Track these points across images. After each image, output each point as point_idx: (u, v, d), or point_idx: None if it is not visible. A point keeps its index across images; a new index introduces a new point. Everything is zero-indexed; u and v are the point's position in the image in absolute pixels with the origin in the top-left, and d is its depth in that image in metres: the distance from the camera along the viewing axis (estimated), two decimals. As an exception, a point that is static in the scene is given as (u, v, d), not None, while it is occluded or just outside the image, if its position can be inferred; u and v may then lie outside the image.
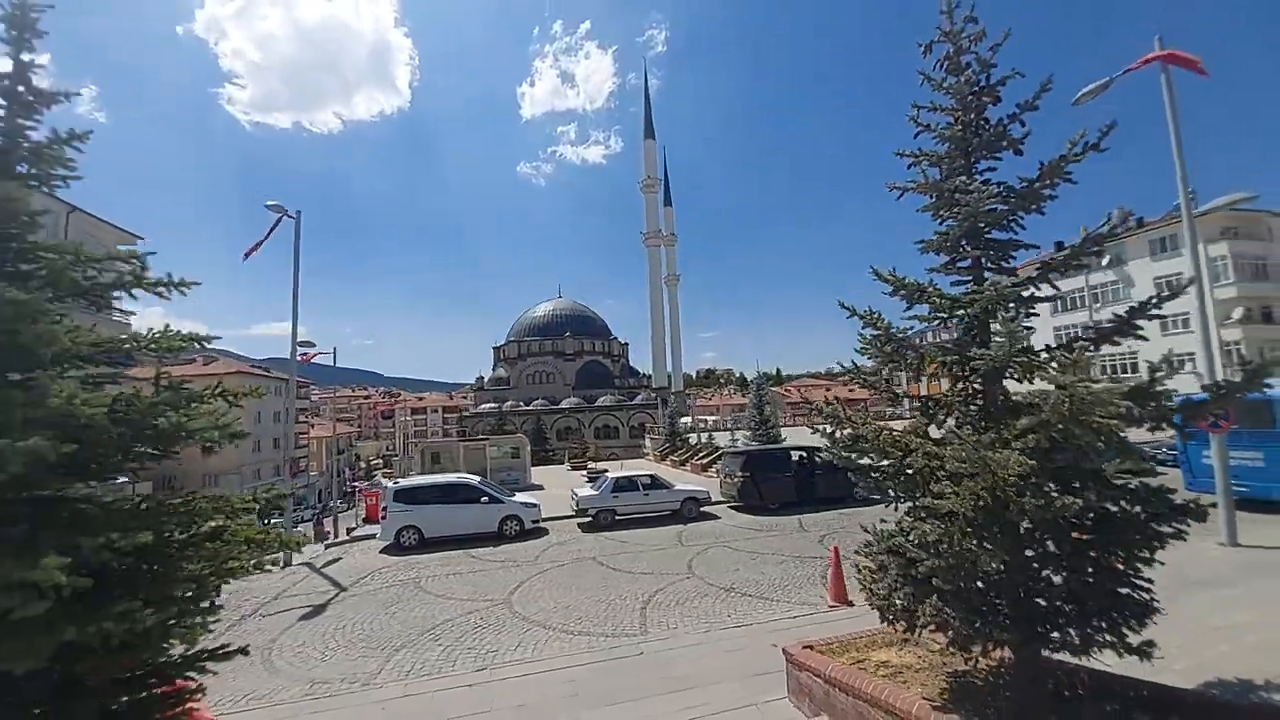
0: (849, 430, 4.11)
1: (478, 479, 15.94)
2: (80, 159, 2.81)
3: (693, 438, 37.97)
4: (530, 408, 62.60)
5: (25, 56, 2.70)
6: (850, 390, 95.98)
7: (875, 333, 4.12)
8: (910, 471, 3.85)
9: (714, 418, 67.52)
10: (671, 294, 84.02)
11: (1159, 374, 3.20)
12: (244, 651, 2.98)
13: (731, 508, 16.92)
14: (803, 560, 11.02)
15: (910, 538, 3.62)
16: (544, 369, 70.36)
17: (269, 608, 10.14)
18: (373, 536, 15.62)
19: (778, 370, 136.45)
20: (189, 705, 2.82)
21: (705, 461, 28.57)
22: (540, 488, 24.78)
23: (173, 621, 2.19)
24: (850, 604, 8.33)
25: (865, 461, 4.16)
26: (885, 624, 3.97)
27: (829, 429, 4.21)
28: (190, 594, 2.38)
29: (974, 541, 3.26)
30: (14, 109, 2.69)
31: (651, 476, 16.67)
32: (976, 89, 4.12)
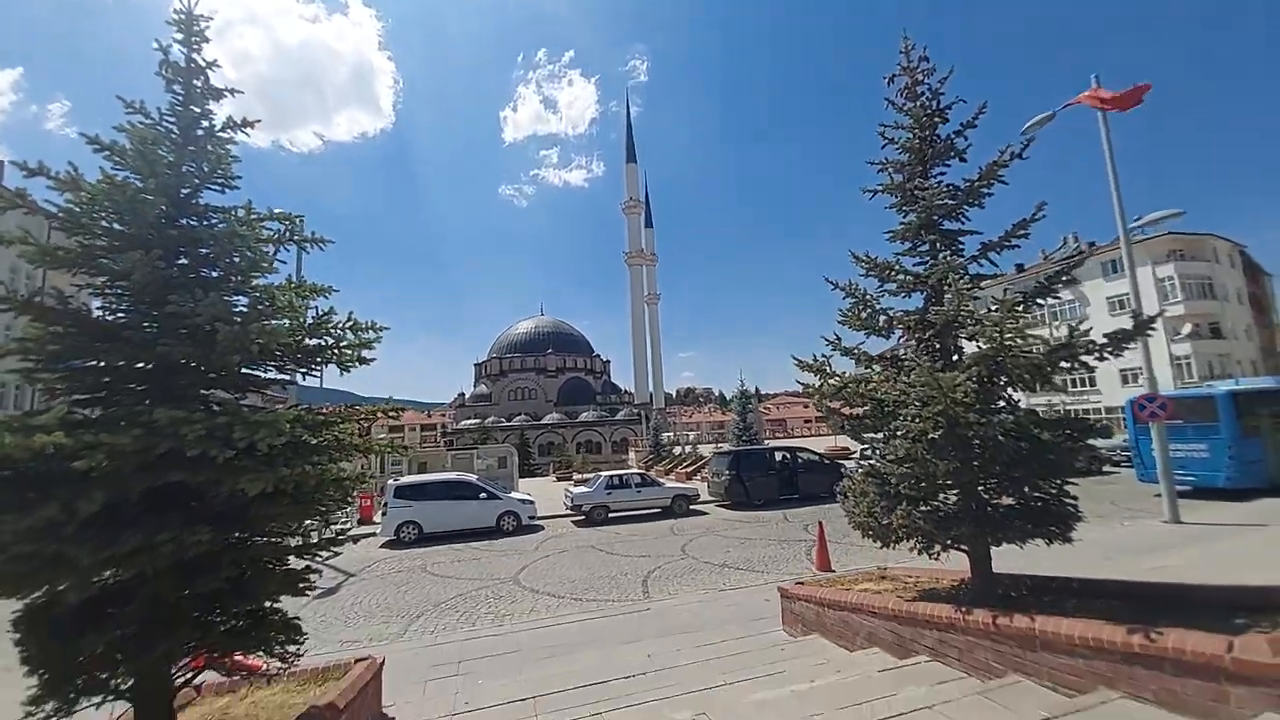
0: (835, 381, 4.99)
1: (475, 476, 16.42)
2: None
3: (677, 450, 38.69)
4: (513, 423, 62.59)
5: (195, 56, 3.48)
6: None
7: (854, 301, 5.04)
8: (884, 412, 4.74)
9: (694, 433, 68.40)
10: (652, 313, 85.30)
11: (1075, 333, 4.18)
12: (353, 539, 3.67)
13: (719, 505, 17.68)
14: (788, 543, 11.84)
15: (885, 455, 4.49)
16: (526, 385, 70.53)
17: (280, 593, 10.49)
18: (371, 535, 15.90)
19: (756, 389, 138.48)
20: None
21: (690, 470, 29.29)
22: (527, 494, 25.13)
23: (343, 480, 2.92)
24: (832, 571, 9.15)
25: (846, 410, 5.05)
26: (865, 537, 4.80)
27: (816, 382, 5.09)
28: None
29: (931, 454, 4.15)
30: (188, 98, 3.44)
31: (642, 475, 17.36)
32: (929, 112, 5.15)
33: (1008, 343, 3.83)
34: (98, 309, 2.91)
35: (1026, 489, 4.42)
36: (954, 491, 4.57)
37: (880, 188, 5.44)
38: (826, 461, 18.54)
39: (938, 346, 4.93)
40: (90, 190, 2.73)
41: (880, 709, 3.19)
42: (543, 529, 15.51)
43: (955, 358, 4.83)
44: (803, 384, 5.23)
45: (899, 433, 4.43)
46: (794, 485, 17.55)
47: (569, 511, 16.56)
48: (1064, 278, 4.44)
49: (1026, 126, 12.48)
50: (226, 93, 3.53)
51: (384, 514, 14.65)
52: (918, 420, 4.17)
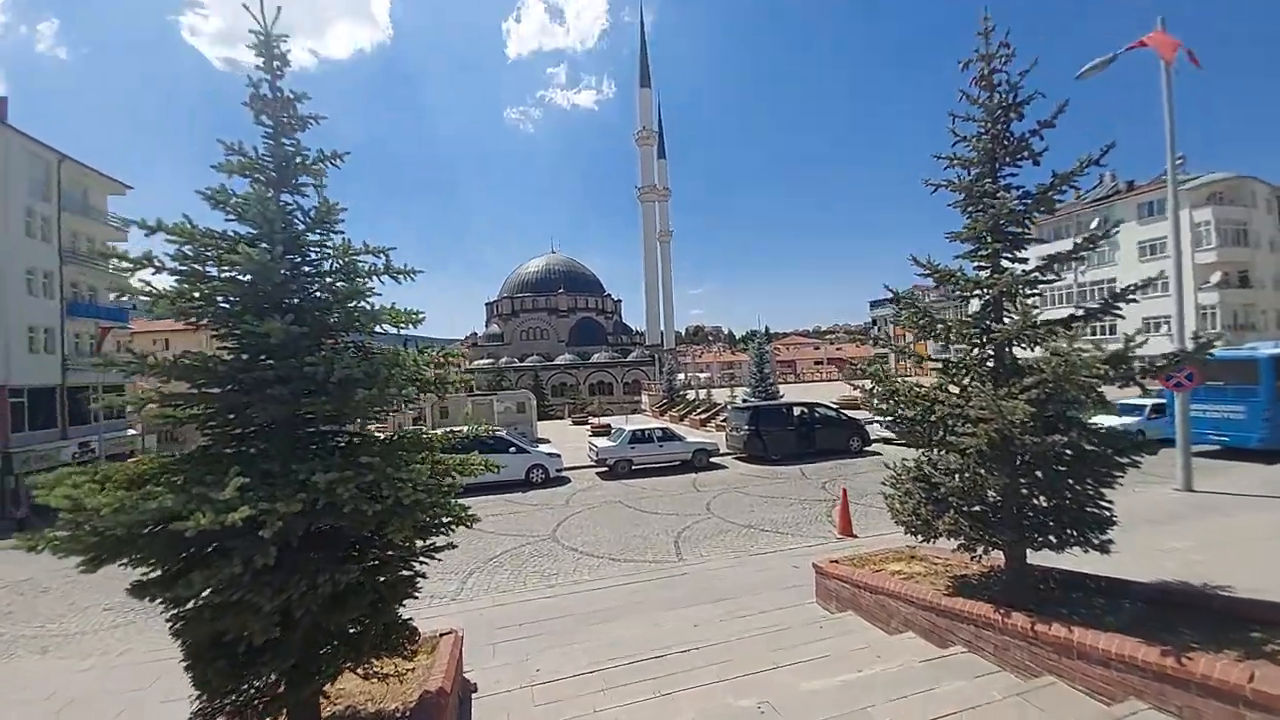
0: (886, 386, 5.15)
1: (505, 431, 17.03)
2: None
3: (690, 394, 39.37)
4: (526, 364, 63.50)
5: (280, 84, 3.45)
6: (838, 349, 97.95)
7: (913, 311, 5.10)
8: (934, 419, 4.93)
9: (705, 375, 69.27)
10: (664, 250, 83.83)
11: (1131, 344, 4.25)
12: (452, 545, 4.02)
13: (737, 458, 18.32)
14: (808, 503, 12.41)
15: (937, 467, 4.73)
16: (538, 325, 70.92)
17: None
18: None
19: (766, 328, 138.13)
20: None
21: (704, 417, 29.97)
22: (548, 441, 25.98)
23: (462, 512, 3.22)
24: (855, 536, 9.69)
25: (898, 412, 5.24)
26: (909, 535, 5.13)
27: (869, 385, 5.25)
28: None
29: (983, 469, 4.37)
30: (277, 130, 3.45)
31: (664, 429, 17.92)
32: (1005, 106, 4.96)
33: (1071, 370, 3.94)
34: (227, 355, 3.09)
35: (1068, 494, 4.67)
36: (997, 493, 4.83)
37: (944, 184, 5.34)
38: (843, 417, 18.93)
39: (991, 354, 5.04)
40: (201, 239, 2.84)
41: (927, 707, 3.59)
42: (569, 481, 16.27)
43: (1011, 362, 4.95)
44: (857, 388, 5.39)
45: (950, 446, 4.63)
46: (811, 440, 18.06)
47: (592, 463, 17.26)
48: (1130, 296, 4.46)
49: (1083, 70, 11.76)
50: (312, 121, 3.53)
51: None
52: (971, 436, 4.36)
